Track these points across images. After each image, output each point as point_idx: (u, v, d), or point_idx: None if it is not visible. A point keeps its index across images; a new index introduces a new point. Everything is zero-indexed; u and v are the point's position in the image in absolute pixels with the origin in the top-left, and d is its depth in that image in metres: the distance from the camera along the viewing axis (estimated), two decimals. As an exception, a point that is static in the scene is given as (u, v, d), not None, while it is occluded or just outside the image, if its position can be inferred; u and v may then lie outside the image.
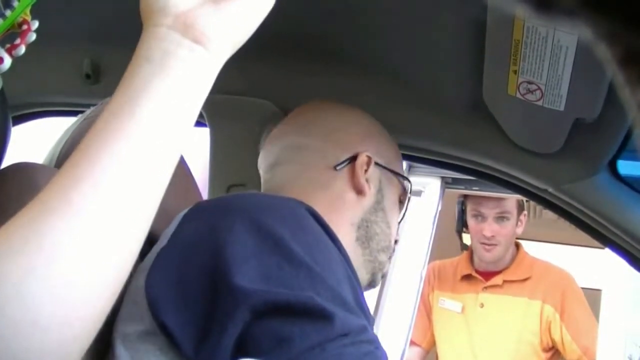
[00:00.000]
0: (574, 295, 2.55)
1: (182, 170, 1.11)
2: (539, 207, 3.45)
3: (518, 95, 1.05)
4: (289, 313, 0.68)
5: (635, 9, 0.17)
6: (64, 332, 0.51)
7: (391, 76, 1.26)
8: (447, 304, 2.60)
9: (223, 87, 1.35)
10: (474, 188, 2.63)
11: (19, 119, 1.53)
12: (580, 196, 1.22)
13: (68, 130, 1.00)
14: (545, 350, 2.53)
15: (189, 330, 0.70)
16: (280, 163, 1.04)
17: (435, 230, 2.77)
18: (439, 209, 2.80)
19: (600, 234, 1.25)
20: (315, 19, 1.18)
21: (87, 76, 1.40)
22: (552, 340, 2.51)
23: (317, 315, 0.69)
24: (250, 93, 1.35)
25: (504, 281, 2.57)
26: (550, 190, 1.25)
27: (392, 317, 2.62)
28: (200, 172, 1.34)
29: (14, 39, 0.64)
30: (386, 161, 1.06)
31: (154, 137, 0.56)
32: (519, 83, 1.03)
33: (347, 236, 0.97)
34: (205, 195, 1.36)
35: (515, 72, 1.02)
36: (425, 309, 2.65)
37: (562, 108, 1.04)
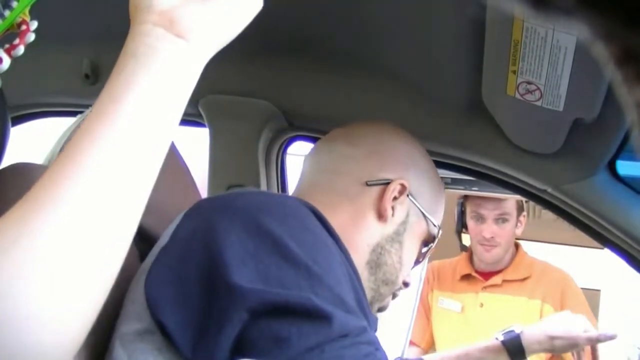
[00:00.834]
0: (574, 295, 2.54)
1: (181, 171, 1.11)
2: (538, 208, 3.45)
3: (517, 96, 1.05)
4: (287, 313, 0.68)
5: (632, 8, 0.17)
6: (57, 329, 0.52)
7: (390, 76, 1.27)
8: (446, 303, 2.60)
9: (222, 87, 1.37)
10: (474, 188, 2.63)
11: (18, 119, 1.53)
12: (580, 196, 1.22)
13: (67, 131, 1.00)
14: None
15: (186, 330, 0.70)
16: (319, 164, 1.03)
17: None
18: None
19: (599, 234, 1.25)
20: (314, 20, 1.18)
21: (87, 76, 1.40)
22: None
23: (315, 315, 0.68)
24: (250, 93, 1.35)
25: (504, 281, 2.57)
26: (549, 190, 1.25)
27: (392, 319, 2.62)
28: (200, 172, 1.34)
29: (13, 40, 0.64)
30: (422, 199, 1.02)
31: (140, 131, 0.57)
32: (518, 83, 1.03)
33: (360, 255, 0.95)
34: (204, 196, 1.36)
35: (514, 72, 1.02)
36: (424, 309, 2.66)
37: (561, 108, 1.04)
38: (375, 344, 0.73)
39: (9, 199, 0.62)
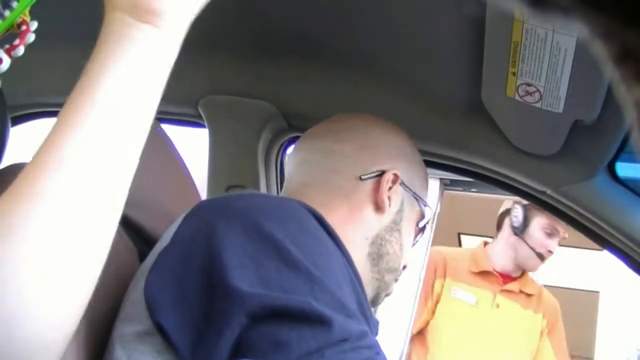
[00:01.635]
0: (560, 331, 2.69)
1: (181, 171, 1.11)
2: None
3: (517, 97, 1.05)
4: (286, 317, 0.68)
5: (631, 6, 0.18)
6: (48, 319, 0.53)
7: (391, 78, 1.27)
8: (460, 294, 2.61)
9: (222, 88, 1.37)
10: (473, 190, 2.64)
11: (18, 120, 1.53)
12: (579, 198, 1.22)
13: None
14: None
15: (185, 332, 0.70)
16: (307, 162, 1.03)
17: (434, 231, 2.78)
18: (438, 210, 2.80)
19: (599, 236, 1.25)
20: (314, 21, 1.19)
21: (86, 77, 1.40)
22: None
23: (315, 320, 0.68)
24: (249, 94, 1.35)
25: (520, 290, 2.64)
26: (548, 192, 1.25)
27: (391, 318, 2.62)
28: (199, 173, 1.34)
29: (13, 40, 0.64)
30: (412, 184, 1.04)
31: (114, 119, 0.58)
32: (517, 85, 1.03)
33: (359, 249, 0.96)
34: (204, 197, 1.36)
35: (514, 74, 1.02)
36: (424, 295, 2.66)
37: (560, 110, 1.04)
38: (375, 348, 0.72)
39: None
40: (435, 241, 2.79)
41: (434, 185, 2.78)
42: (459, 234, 4.47)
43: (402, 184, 1.02)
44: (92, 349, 0.76)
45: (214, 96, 1.37)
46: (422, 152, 1.36)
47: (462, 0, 0.97)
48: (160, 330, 0.71)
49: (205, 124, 1.41)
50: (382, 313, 2.57)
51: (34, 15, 0.66)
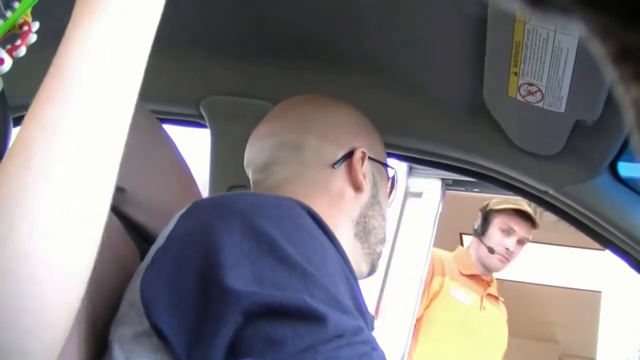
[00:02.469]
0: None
1: (182, 171, 1.11)
2: (539, 209, 3.45)
3: (519, 97, 1.05)
4: (281, 315, 0.68)
5: (630, 6, 0.18)
6: (58, 270, 0.53)
7: (392, 77, 1.27)
8: (458, 293, 2.73)
9: (224, 88, 1.37)
10: (475, 190, 2.66)
11: (20, 120, 1.53)
12: (581, 198, 1.22)
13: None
14: None
15: (181, 333, 0.70)
16: (275, 162, 1.03)
17: (436, 231, 2.79)
18: (440, 210, 2.80)
19: (601, 236, 1.25)
20: (315, 21, 1.19)
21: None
22: None
23: (310, 316, 0.68)
24: (251, 94, 1.35)
25: (496, 295, 2.84)
26: (550, 192, 1.25)
27: (393, 318, 2.63)
28: (201, 173, 1.34)
29: (15, 40, 0.65)
30: (376, 154, 1.07)
31: (97, 87, 0.57)
32: (519, 85, 1.03)
33: (346, 233, 0.98)
34: (205, 196, 1.36)
35: (515, 74, 1.02)
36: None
37: (562, 110, 1.04)
38: (372, 343, 0.72)
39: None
40: (437, 241, 2.80)
41: (436, 185, 2.79)
42: (460, 234, 4.47)
43: (370, 158, 1.05)
44: (91, 350, 0.76)
45: (216, 96, 1.38)
46: (424, 152, 1.37)
47: (464, 0, 0.97)
48: (157, 331, 0.71)
49: (207, 124, 1.41)
50: (384, 312, 2.58)
51: (35, 15, 0.66)
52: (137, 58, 0.60)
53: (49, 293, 0.52)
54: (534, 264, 4.33)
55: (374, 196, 1.04)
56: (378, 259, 1.06)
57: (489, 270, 2.74)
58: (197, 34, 1.27)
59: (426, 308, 2.70)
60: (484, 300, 2.72)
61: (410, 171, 2.81)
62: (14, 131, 0.85)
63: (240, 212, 0.77)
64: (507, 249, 2.68)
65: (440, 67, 1.20)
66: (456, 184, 2.76)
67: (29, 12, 0.65)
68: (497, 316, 2.75)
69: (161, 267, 0.75)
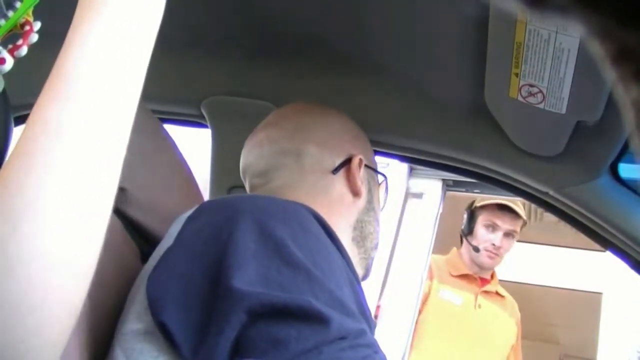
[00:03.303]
0: (519, 343, 2.86)
1: (183, 171, 1.12)
2: (540, 210, 3.45)
3: (520, 98, 1.05)
4: (286, 316, 0.68)
5: (629, 6, 0.18)
6: (62, 268, 0.53)
7: (392, 78, 1.27)
8: (447, 295, 2.75)
9: (225, 88, 1.37)
10: (476, 191, 2.67)
11: (22, 120, 1.53)
12: (582, 199, 1.22)
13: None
14: None
15: (188, 331, 0.70)
16: (276, 168, 1.05)
17: (437, 232, 2.79)
18: (440, 211, 2.80)
19: (602, 237, 1.25)
20: (316, 21, 1.19)
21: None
22: None
23: (314, 318, 0.68)
24: (252, 95, 1.35)
25: (496, 292, 2.83)
26: (551, 193, 1.25)
27: (393, 319, 2.63)
28: (202, 173, 1.35)
29: (16, 40, 0.65)
30: (369, 161, 1.10)
31: (94, 86, 0.57)
32: (520, 86, 1.03)
33: (344, 237, 0.99)
34: (206, 197, 1.37)
35: (516, 74, 1.02)
36: None
37: (563, 111, 1.04)
38: (374, 347, 0.73)
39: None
40: (438, 242, 2.80)
41: (436, 186, 2.79)
42: (461, 235, 4.46)
43: (365, 165, 1.07)
44: (92, 350, 0.76)
45: (217, 97, 1.38)
46: (425, 153, 1.37)
47: (465, 1, 0.97)
48: (163, 328, 0.71)
49: (208, 125, 1.41)
50: (385, 312, 2.58)
51: (36, 15, 0.66)
52: (139, 59, 0.60)
53: (54, 292, 0.52)
54: (535, 265, 4.33)
55: (370, 201, 1.07)
56: (372, 264, 1.08)
57: (482, 268, 2.76)
58: (198, 34, 1.28)
59: (419, 314, 2.71)
60: (479, 298, 2.73)
61: (411, 172, 2.81)
62: (16, 130, 0.85)
63: (249, 213, 0.77)
64: (493, 244, 2.70)
65: (441, 67, 1.20)
66: (457, 184, 2.76)
67: (30, 11, 0.65)
68: (496, 313, 2.74)
69: (170, 266, 0.76)
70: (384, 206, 1.15)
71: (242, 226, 0.75)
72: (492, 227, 2.71)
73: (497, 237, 2.70)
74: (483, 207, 2.76)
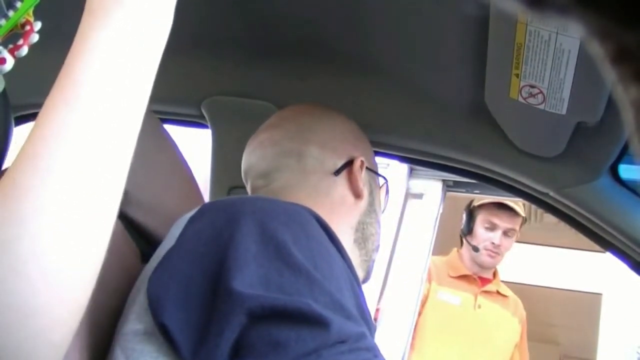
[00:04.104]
0: (525, 340, 2.87)
1: (183, 171, 1.12)
2: (540, 211, 3.46)
3: (520, 99, 1.05)
4: (285, 318, 0.68)
5: (628, 6, 0.18)
6: (62, 282, 0.53)
7: (392, 79, 1.27)
8: (445, 296, 2.75)
9: (225, 89, 1.37)
10: (476, 191, 2.67)
11: (22, 120, 1.53)
12: (582, 200, 1.22)
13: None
14: None
15: (188, 333, 0.70)
16: (278, 169, 1.05)
17: (437, 233, 2.79)
18: (440, 212, 2.80)
19: (601, 238, 1.25)
20: (317, 22, 1.19)
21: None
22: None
23: (314, 321, 0.68)
24: (252, 95, 1.35)
25: (497, 291, 2.82)
26: (551, 193, 1.25)
27: (393, 319, 2.63)
28: (202, 173, 1.35)
29: (17, 40, 0.65)
30: (370, 163, 1.10)
31: (105, 95, 0.57)
32: (521, 87, 1.03)
33: (346, 239, 0.99)
34: (206, 198, 1.37)
35: (517, 75, 1.02)
36: None
37: (564, 112, 1.04)
38: (374, 350, 0.72)
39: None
40: (438, 243, 2.81)
41: (437, 186, 2.79)
42: (461, 236, 4.45)
43: (366, 167, 1.07)
44: (93, 350, 0.76)
45: (218, 97, 1.38)
46: (426, 154, 1.37)
47: (465, 1, 0.97)
48: (163, 329, 0.71)
49: (209, 125, 1.41)
50: (386, 313, 2.58)
51: (37, 15, 0.66)
52: (149, 66, 0.61)
53: (58, 293, 0.53)
54: (535, 266, 4.33)
55: (371, 204, 1.07)
56: (373, 266, 1.08)
57: (483, 267, 2.76)
58: (198, 34, 1.27)
59: (419, 316, 2.71)
60: (479, 298, 2.73)
61: (411, 172, 2.82)
62: (16, 131, 0.85)
63: (250, 215, 0.77)
64: (492, 243, 2.70)
65: (441, 68, 1.20)
66: (457, 185, 2.77)
67: (31, 11, 0.66)
68: (498, 312, 2.74)
69: (171, 267, 0.76)
70: (384, 209, 1.15)
71: (244, 228, 0.75)
72: (491, 227, 2.72)
73: (496, 236, 2.71)
74: (481, 206, 2.76)
